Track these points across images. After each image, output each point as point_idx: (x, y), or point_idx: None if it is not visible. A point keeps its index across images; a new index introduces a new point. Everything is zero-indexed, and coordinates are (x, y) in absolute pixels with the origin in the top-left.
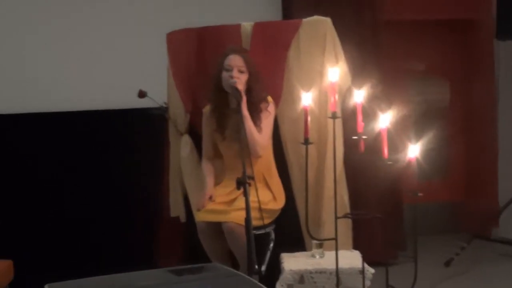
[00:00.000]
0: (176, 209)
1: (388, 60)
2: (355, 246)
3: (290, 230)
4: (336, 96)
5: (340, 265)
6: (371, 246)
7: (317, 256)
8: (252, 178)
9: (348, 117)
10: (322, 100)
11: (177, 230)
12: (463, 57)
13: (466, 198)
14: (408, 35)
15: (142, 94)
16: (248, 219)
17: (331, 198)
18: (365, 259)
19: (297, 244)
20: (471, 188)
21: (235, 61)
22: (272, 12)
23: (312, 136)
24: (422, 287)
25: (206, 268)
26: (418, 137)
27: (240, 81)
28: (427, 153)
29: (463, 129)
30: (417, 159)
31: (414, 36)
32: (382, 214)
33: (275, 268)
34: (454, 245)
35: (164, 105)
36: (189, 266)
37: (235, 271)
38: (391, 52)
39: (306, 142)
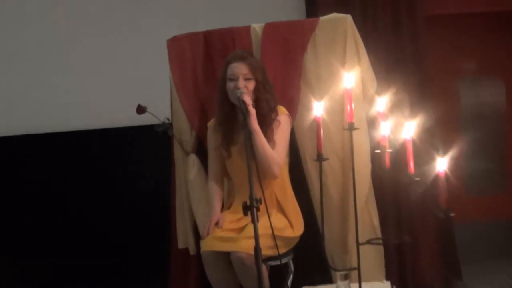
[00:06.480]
0: (184, 240)
1: (431, 59)
2: (398, 276)
3: (313, 259)
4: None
5: None
6: (416, 276)
7: None
8: (260, 201)
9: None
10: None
11: (188, 263)
12: None
13: None
14: (454, 30)
15: (141, 110)
16: (257, 248)
17: (359, 220)
18: None
19: (322, 275)
20: None
21: (239, 69)
22: (294, 10)
23: (335, 150)
24: None
25: None
26: (469, 145)
27: (247, 90)
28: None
29: None
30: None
31: (460, 32)
32: (433, 238)
33: None
34: None
35: (166, 121)
36: None
37: None
38: (435, 50)
39: (320, 157)
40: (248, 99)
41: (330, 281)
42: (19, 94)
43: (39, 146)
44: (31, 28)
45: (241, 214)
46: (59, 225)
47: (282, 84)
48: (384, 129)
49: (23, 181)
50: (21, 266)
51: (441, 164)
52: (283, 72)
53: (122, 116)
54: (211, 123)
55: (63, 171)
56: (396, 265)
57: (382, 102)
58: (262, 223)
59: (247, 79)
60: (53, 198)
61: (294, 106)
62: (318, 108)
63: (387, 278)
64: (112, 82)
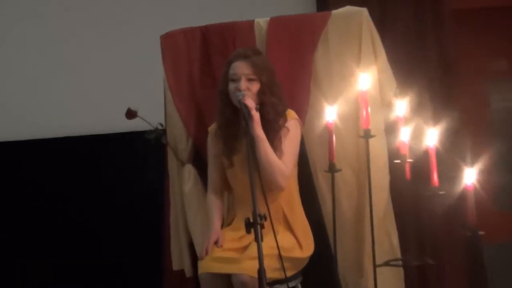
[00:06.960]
0: (180, 261)
1: (457, 58)
2: None
3: (324, 283)
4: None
5: None
6: None
7: None
8: (265, 217)
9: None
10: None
11: (184, 286)
12: None
13: None
14: (483, 26)
15: (131, 114)
16: (261, 271)
17: (376, 239)
18: None
19: None
20: None
21: (241, 68)
22: (303, 4)
23: (349, 160)
24: None
25: None
26: (500, 155)
27: (251, 92)
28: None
29: None
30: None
31: (490, 28)
32: (460, 260)
33: None
34: None
35: (159, 127)
36: None
37: None
38: (461, 48)
39: (332, 168)
40: (250, 102)
41: None
42: (12, 100)
43: (30, 152)
44: (22, 35)
45: (243, 232)
46: (50, 235)
47: (290, 86)
48: (404, 136)
49: (15, 187)
50: (16, 267)
51: (469, 176)
52: (291, 72)
53: (110, 121)
54: (211, 128)
55: (51, 178)
56: None
57: (402, 106)
58: (267, 242)
59: (250, 80)
60: (41, 208)
61: (303, 111)
62: (330, 113)
63: None
64: (100, 83)
